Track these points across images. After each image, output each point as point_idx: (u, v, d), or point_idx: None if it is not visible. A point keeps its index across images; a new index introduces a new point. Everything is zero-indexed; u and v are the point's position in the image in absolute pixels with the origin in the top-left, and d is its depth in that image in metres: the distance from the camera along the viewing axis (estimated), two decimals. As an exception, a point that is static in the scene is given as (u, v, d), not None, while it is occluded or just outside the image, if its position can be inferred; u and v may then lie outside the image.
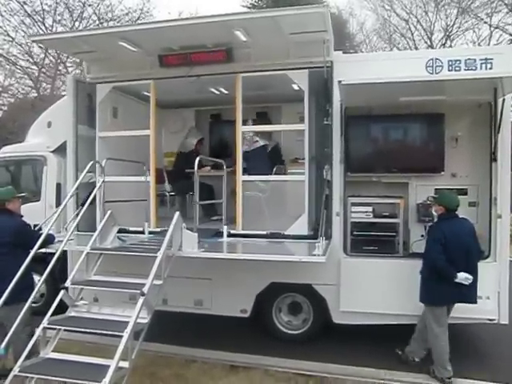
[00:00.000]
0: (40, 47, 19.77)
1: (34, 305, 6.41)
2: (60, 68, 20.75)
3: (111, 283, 4.06)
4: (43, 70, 20.89)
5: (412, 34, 25.49)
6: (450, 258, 4.42)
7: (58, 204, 6.29)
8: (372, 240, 5.38)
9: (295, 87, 6.19)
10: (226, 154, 6.95)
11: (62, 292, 3.84)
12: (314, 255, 4.20)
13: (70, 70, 19.56)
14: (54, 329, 3.64)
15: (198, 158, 4.82)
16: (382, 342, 5.31)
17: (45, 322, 3.60)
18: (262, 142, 6.31)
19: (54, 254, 4.59)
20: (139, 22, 18.63)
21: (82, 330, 3.50)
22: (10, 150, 7.21)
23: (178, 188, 6.97)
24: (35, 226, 5.35)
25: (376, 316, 5.11)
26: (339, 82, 4.28)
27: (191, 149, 7.08)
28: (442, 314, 4.54)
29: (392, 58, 5.41)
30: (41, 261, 4.80)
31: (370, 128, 5.58)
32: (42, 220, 5.71)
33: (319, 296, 5.38)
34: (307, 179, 5.36)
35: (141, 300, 3.55)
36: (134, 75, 5.99)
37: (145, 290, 3.60)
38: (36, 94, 21.15)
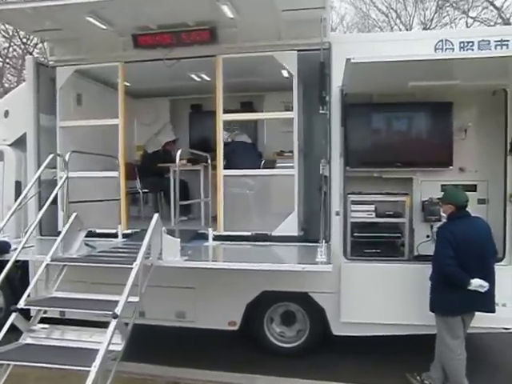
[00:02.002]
0: (5, 37, 18.61)
1: (-10, 320, 5.88)
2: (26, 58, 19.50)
3: (76, 302, 3.36)
4: (7, 60, 19.65)
5: (391, 28, 25.33)
6: (462, 262, 3.91)
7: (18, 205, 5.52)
8: (374, 242, 4.87)
9: (280, 73, 5.67)
10: (208, 149, 6.33)
11: (13, 315, 3.12)
12: (317, 263, 3.62)
13: (37, 61, 18.35)
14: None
15: (179, 151, 4.17)
16: (390, 354, 4.82)
17: (-12, 356, 2.88)
18: (242, 138, 5.75)
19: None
20: None
21: (38, 364, 2.80)
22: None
23: (149, 185, 6.34)
24: None
25: (381, 327, 4.59)
26: (348, 59, 3.70)
27: (157, 149, 6.44)
28: (456, 325, 4.02)
29: (398, 39, 4.93)
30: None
31: (370, 118, 5.04)
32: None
33: (317, 305, 4.82)
34: (297, 173, 4.83)
35: (113, 323, 2.89)
36: (104, 58, 5.30)
37: (117, 310, 2.94)
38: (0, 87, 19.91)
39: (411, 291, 4.49)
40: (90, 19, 4.65)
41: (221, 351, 5.16)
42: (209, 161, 5.01)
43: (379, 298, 4.56)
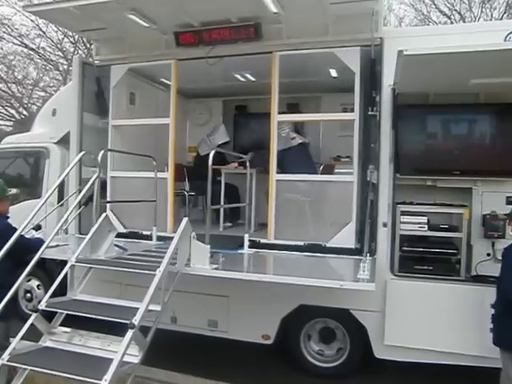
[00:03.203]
0: (71, 42, 19.66)
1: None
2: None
3: (97, 306, 3.21)
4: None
5: (455, 31, 23.93)
6: None
7: (59, 201, 5.57)
8: (426, 258, 4.37)
9: (334, 73, 5.40)
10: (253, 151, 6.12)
11: (33, 315, 3.03)
12: (358, 280, 3.25)
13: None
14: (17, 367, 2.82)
15: (212, 152, 3.94)
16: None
17: (5, 357, 2.78)
18: (299, 140, 5.42)
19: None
20: None
21: (51, 371, 2.67)
22: (12, 141, 6.56)
23: (198, 187, 6.17)
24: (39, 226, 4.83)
25: (430, 354, 4.10)
26: (400, 52, 3.29)
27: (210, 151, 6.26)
28: None
29: (460, 32, 4.38)
30: (41, 265, 4.46)
31: (425, 120, 4.55)
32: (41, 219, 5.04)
33: (359, 324, 4.41)
34: (356, 180, 4.47)
35: (129, 334, 2.71)
36: (148, 57, 5.24)
37: (135, 320, 2.75)
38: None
39: (468, 316, 4.01)
40: (132, 17, 4.60)
41: (254, 365, 4.86)
42: (247, 164, 4.74)
43: (429, 321, 4.10)
